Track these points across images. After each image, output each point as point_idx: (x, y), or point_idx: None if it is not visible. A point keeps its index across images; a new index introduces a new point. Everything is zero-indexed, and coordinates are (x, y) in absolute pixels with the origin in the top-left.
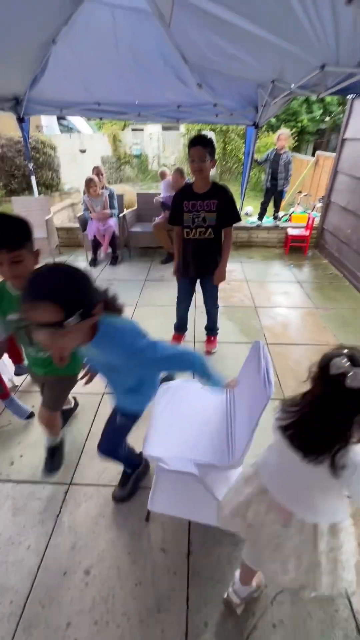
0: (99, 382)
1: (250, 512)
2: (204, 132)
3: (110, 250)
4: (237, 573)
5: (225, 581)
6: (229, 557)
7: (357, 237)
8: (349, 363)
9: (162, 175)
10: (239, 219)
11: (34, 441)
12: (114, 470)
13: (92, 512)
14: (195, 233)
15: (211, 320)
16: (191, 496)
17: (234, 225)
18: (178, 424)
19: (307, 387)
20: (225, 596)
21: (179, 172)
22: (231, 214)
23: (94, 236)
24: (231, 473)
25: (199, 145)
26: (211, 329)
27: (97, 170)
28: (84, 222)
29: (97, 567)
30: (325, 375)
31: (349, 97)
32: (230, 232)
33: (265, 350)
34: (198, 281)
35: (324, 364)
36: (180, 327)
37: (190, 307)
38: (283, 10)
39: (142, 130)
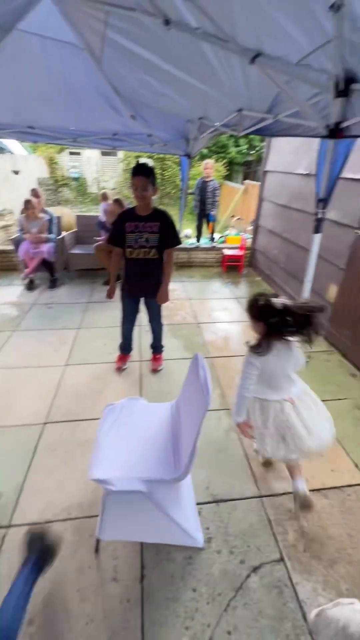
0: (40, 412)
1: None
2: (142, 160)
3: (33, 276)
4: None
5: (180, 598)
6: (182, 573)
7: (283, 256)
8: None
9: (104, 197)
10: (179, 243)
11: None
12: (59, 504)
13: None
14: (139, 253)
15: (156, 338)
16: (142, 516)
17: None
18: (124, 443)
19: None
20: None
21: (118, 202)
22: (172, 237)
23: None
24: (181, 486)
25: (142, 175)
26: (157, 347)
27: (34, 193)
28: (18, 244)
29: (41, 615)
30: (261, 313)
31: None
32: (171, 254)
33: (204, 362)
34: (142, 300)
35: (256, 305)
36: (126, 347)
37: (134, 327)
38: (203, 61)
39: (79, 154)
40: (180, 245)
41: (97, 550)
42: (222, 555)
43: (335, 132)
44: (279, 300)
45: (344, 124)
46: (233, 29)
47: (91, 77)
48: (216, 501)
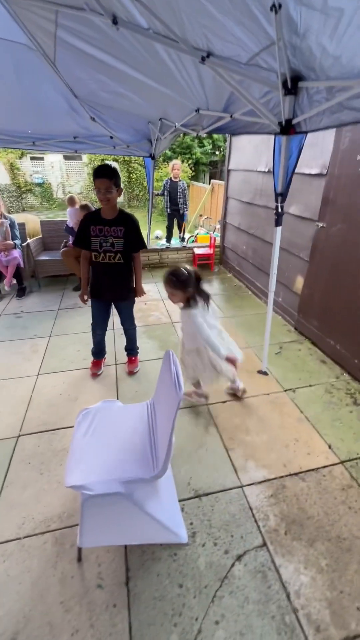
0: (13, 425)
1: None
2: (107, 162)
3: (15, 281)
4: (198, 390)
5: (167, 596)
6: (168, 570)
7: (251, 251)
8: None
9: (71, 202)
10: (144, 246)
11: None
12: (38, 516)
13: (14, 572)
14: (105, 257)
15: (130, 340)
16: (123, 519)
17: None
18: (101, 447)
19: None
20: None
21: (85, 208)
22: (137, 242)
23: None
24: (161, 483)
25: (104, 177)
26: (131, 349)
27: None
28: None
29: (24, 631)
30: (182, 283)
31: (228, 135)
32: (138, 257)
33: (175, 357)
34: (112, 305)
35: (180, 278)
36: (98, 352)
37: (107, 331)
38: (155, 60)
39: (42, 159)
40: (151, 247)
41: (79, 559)
42: (207, 548)
43: (287, 128)
44: (188, 269)
45: (295, 121)
46: (182, 30)
47: (48, 78)
48: (198, 496)
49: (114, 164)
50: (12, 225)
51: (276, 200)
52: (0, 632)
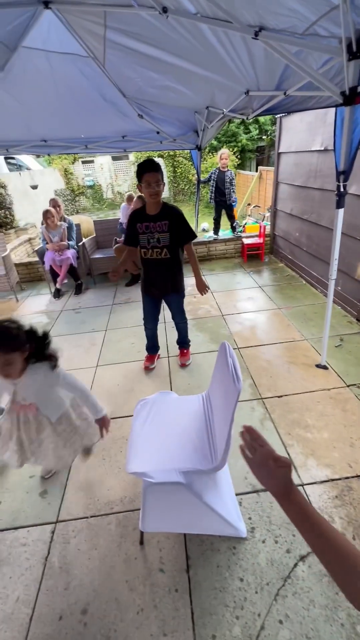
0: None
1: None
2: (152, 158)
3: (66, 280)
4: None
5: (227, 588)
6: (228, 563)
7: (305, 238)
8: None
9: (129, 199)
10: (194, 236)
11: (12, 485)
12: (102, 499)
13: (84, 547)
14: (153, 253)
15: (181, 334)
16: (182, 507)
17: (193, 242)
18: (159, 436)
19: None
20: None
21: (141, 198)
22: (185, 232)
23: (50, 266)
24: (219, 476)
25: (153, 170)
26: (183, 343)
27: (54, 202)
28: (42, 255)
29: (94, 603)
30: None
31: (278, 116)
32: (190, 247)
33: (231, 350)
34: (163, 300)
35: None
36: (152, 347)
37: (158, 325)
38: (203, 46)
39: (92, 162)
40: (198, 239)
41: (141, 542)
42: (267, 545)
43: (352, 97)
44: (23, 324)
45: None
46: (232, 9)
47: (97, 83)
48: (256, 491)
49: (160, 160)
50: (69, 227)
51: (337, 180)
52: (73, 601)
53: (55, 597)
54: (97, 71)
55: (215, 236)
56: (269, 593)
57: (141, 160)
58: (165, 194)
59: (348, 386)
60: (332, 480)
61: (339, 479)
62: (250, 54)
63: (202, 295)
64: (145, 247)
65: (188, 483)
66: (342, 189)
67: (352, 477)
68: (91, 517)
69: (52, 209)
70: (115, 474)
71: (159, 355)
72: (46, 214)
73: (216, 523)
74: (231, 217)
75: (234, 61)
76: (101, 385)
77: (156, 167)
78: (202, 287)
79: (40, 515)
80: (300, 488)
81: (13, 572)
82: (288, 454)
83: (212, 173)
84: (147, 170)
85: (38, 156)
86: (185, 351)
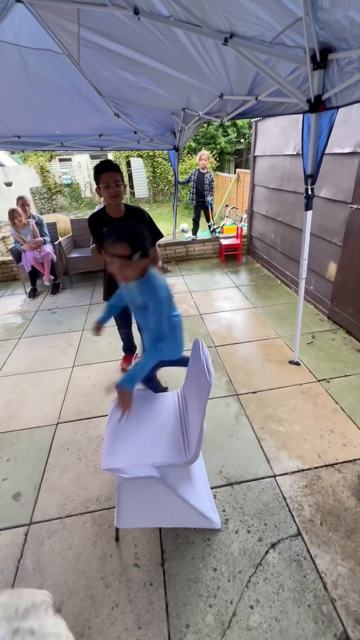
0: (52, 413)
1: None
2: (133, 159)
3: (52, 277)
4: None
5: (201, 578)
6: (202, 554)
7: (280, 239)
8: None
9: None
10: (161, 235)
11: None
12: (78, 498)
13: (58, 547)
14: None
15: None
16: (157, 502)
17: (172, 242)
18: (134, 434)
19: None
20: None
21: None
22: (154, 233)
23: (32, 267)
24: (193, 470)
25: (113, 170)
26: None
27: (22, 201)
28: (17, 254)
29: (68, 602)
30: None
31: (253, 120)
32: (155, 249)
33: (204, 346)
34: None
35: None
36: (128, 348)
37: (132, 327)
38: (177, 48)
39: (69, 160)
40: (177, 239)
41: (117, 539)
42: (240, 535)
43: (317, 105)
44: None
45: (325, 96)
46: (204, 14)
47: (72, 80)
48: (230, 484)
49: (139, 160)
50: (39, 223)
51: (306, 183)
52: None
53: None
54: (72, 68)
55: (194, 237)
56: (241, 580)
57: (119, 160)
58: (145, 194)
59: (319, 381)
60: (302, 470)
61: (309, 469)
62: (223, 59)
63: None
64: None
65: (162, 477)
66: (309, 192)
67: (321, 466)
68: (66, 517)
69: (19, 208)
70: (92, 473)
71: (137, 354)
72: (12, 214)
73: (191, 516)
74: (207, 218)
75: (207, 65)
76: (78, 385)
77: (114, 167)
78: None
79: (12, 518)
80: (271, 479)
81: None
82: (261, 448)
83: (192, 174)
84: (104, 170)
85: (12, 152)
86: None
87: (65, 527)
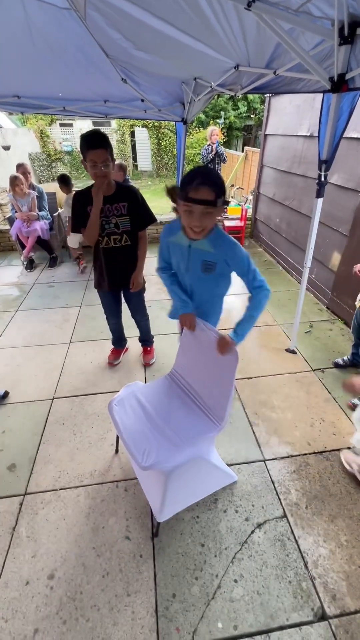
0: (48, 388)
1: None
2: (138, 129)
3: (33, 254)
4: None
5: (189, 553)
6: (191, 531)
7: (285, 224)
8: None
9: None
10: (154, 220)
11: None
12: (71, 472)
13: (52, 517)
14: (109, 241)
15: (143, 332)
16: (195, 480)
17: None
18: (150, 425)
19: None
20: None
21: (121, 167)
22: (144, 215)
23: (17, 236)
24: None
25: (101, 147)
26: (146, 341)
27: (22, 169)
28: (13, 223)
29: (61, 569)
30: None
31: (267, 95)
32: (144, 235)
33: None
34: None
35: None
36: (117, 341)
37: (122, 317)
38: (195, 13)
39: (71, 125)
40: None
41: (157, 534)
42: (228, 514)
43: (339, 84)
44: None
45: (348, 75)
46: None
47: (79, 39)
48: None
49: (144, 130)
50: (40, 196)
51: (319, 169)
52: (40, 567)
53: (22, 564)
54: (78, 24)
55: None
56: (227, 556)
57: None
58: (148, 167)
59: (313, 370)
60: (292, 456)
61: (298, 455)
62: (242, 25)
63: (132, 288)
64: (100, 235)
65: (204, 452)
66: (322, 179)
67: (310, 453)
68: (60, 489)
69: (21, 176)
70: (86, 448)
71: (127, 348)
72: (14, 181)
73: (218, 478)
74: None
75: (225, 32)
76: (74, 362)
77: (103, 143)
78: (136, 283)
79: (8, 488)
80: (261, 464)
81: None
82: (253, 432)
83: (207, 151)
84: (91, 146)
85: (11, 113)
86: (149, 349)
87: (60, 498)
